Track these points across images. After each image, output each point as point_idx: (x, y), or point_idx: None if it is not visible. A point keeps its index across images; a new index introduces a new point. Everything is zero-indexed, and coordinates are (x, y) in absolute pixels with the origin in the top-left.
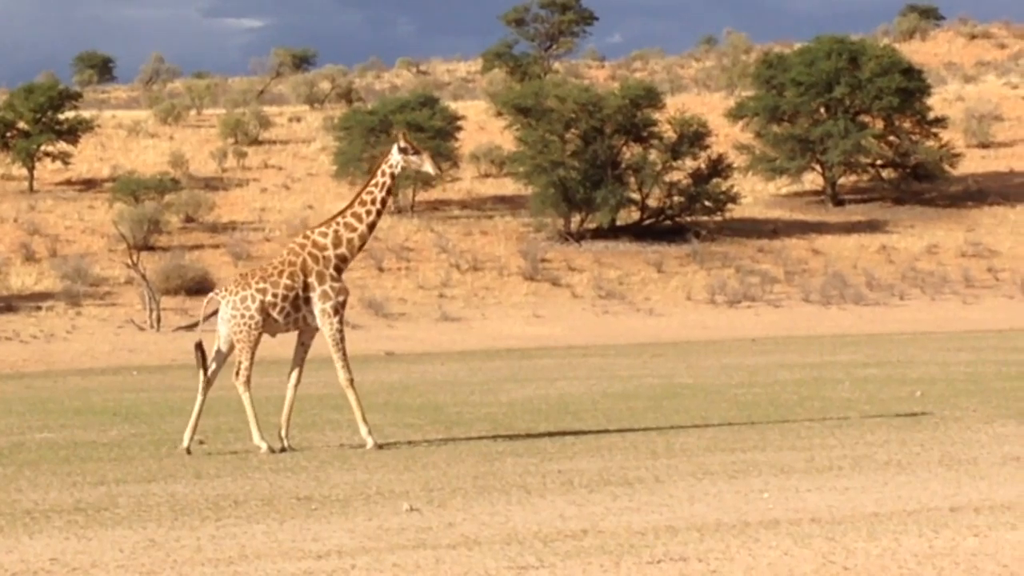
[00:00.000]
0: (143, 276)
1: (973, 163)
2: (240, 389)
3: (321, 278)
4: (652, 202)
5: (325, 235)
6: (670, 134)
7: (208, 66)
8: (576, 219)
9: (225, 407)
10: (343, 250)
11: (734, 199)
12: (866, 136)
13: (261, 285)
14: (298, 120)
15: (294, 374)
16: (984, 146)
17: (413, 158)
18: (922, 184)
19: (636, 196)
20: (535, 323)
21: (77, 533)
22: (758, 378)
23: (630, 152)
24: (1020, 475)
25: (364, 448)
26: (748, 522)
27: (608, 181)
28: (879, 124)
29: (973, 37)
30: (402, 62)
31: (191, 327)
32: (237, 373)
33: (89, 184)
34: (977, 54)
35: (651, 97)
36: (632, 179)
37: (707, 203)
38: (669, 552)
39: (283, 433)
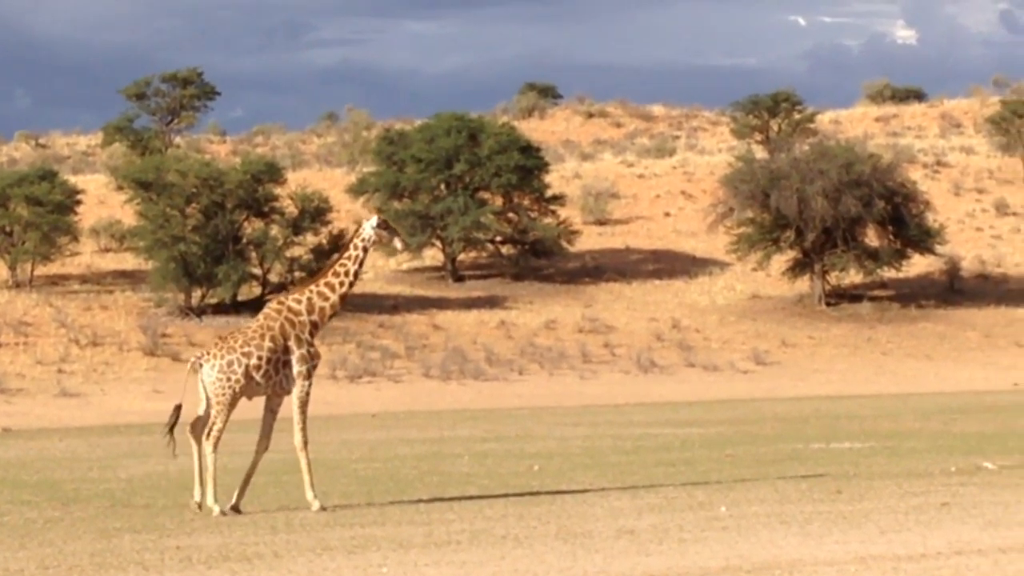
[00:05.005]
0: None
1: (590, 240)
2: (208, 449)
3: (299, 342)
4: (274, 277)
5: (299, 302)
6: (292, 209)
7: None
8: (197, 294)
9: None
10: (315, 317)
11: None
12: (485, 213)
13: (246, 349)
14: None
15: (263, 442)
16: (601, 223)
17: (385, 233)
18: (540, 260)
19: (258, 271)
20: (155, 398)
21: None
22: (378, 453)
23: (252, 227)
24: (634, 548)
25: (311, 510)
26: None
27: (230, 256)
28: (498, 201)
29: (590, 116)
30: (20, 135)
31: None
32: (209, 433)
33: None
34: (594, 132)
35: (272, 172)
36: (254, 254)
37: None
38: None
39: (237, 496)
